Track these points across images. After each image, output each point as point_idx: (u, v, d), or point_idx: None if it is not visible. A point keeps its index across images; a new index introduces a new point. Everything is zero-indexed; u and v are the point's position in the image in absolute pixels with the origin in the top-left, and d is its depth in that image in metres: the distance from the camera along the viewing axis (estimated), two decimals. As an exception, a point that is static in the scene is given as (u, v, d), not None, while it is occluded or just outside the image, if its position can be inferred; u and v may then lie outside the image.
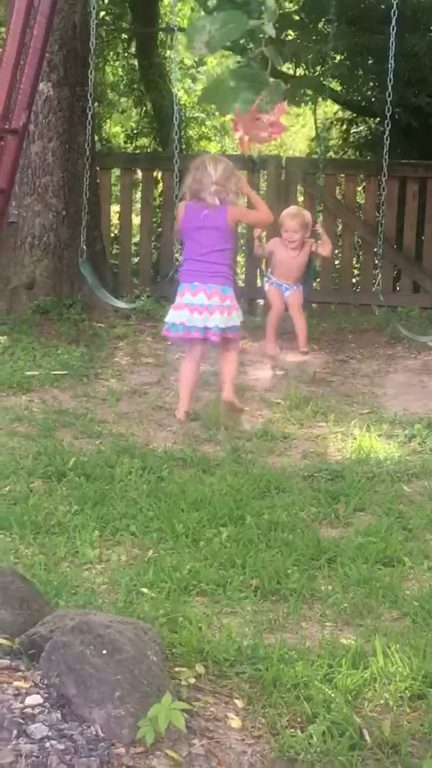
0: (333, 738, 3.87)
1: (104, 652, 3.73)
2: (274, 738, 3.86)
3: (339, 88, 15.50)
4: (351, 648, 4.51)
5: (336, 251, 13.11)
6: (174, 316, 8.08)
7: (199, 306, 7.99)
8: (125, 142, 18.81)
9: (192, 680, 4.13)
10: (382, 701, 4.18)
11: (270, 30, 4.20)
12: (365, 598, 5.15)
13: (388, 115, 8.84)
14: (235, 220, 8.23)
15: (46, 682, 3.74)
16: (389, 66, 8.46)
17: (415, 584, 5.38)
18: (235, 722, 3.92)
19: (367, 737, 3.90)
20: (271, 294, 9.61)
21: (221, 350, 8.28)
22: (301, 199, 13.01)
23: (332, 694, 4.13)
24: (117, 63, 18.83)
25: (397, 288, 12.95)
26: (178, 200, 8.75)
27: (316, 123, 17.17)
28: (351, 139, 16.60)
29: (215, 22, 4.04)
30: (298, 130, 22.35)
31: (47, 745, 3.44)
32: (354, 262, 13.88)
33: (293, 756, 3.77)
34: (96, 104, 13.65)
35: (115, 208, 13.99)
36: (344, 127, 16.74)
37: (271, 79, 4.33)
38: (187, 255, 8.27)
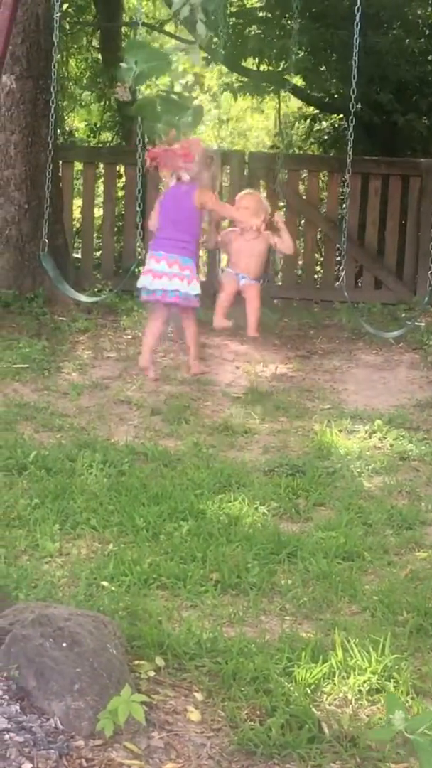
0: (292, 731, 3.88)
1: (64, 644, 3.74)
2: (234, 731, 3.87)
3: (302, 84, 15.51)
4: (310, 642, 4.54)
5: (299, 247, 13.12)
6: (141, 281, 8.57)
7: (160, 272, 8.41)
8: (88, 136, 18.74)
9: (152, 673, 4.14)
10: (340, 695, 4.20)
11: (197, 59, 4.31)
12: (325, 592, 5.17)
13: (352, 111, 8.86)
14: (200, 203, 8.50)
15: (5, 674, 3.74)
16: (353, 63, 8.47)
17: (374, 579, 5.41)
18: (194, 715, 3.93)
19: (325, 730, 3.92)
20: (225, 279, 9.27)
21: (183, 322, 8.66)
22: (264, 194, 13.00)
23: (291, 688, 4.15)
24: (80, 56, 18.75)
25: (359, 284, 12.97)
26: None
27: (279, 119, 17.20)
28: (314, 135, 16.61)
29: (141, 62, 4.15)
30: (261, 124, 22.35)
31: (6, 737, 3.44)
32: (317, 257, 13.88)
33: (252, 749, 3.78)
34: (59, 97, 13.60)
35: (77, 202, 13.94)
36: (307, 122, 16.75)
37: (194, 105, 4.47)
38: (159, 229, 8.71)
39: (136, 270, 10.15)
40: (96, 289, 11.57)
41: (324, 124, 16.44)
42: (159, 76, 4.39)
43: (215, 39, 11.37)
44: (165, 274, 8.45)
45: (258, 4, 14.99)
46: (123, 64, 4.23)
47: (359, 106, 9.94)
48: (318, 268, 13.91)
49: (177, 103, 4.40)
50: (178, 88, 4.60)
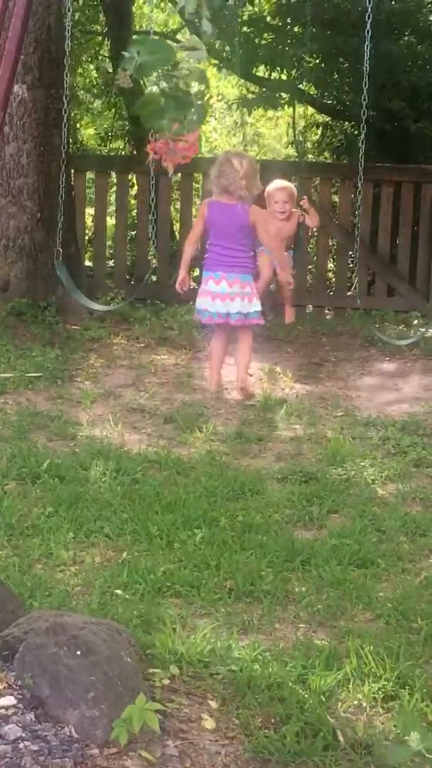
0: (306, 738, 3.88)
1: (78, 653, 3.73)
2: (248, 739, 3.86)
3: (314, 92, 15.51)
4: (325, 649, 4.53)
5: (311, 254, 13.13)
6: (199, 302, 8.49)
7: (221, 293, 8.33)
8: (99, 145, 18.77)
9: (166, 681, 4.13)
10: (355, 702, 4.20)
11: (202, 55, 4.31)
12: (339, 599, 5.17)
13: (364, 118, 8.86)
14: (255, 221, 8.45)
15: (19, 683, 3.74)
16: (364, 69, 8.48)
17: (388, 586, 5.40)
18: (209, 723, 3.92)
19: (340, 738, 3.91)
20: (262, 262, 9.49)
21: (238, 336, 8.63)
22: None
23: (306, 695, 4.14)
24: (91, 65, 18.79)
25: (372, 291, 12.96)
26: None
27: (294, 126, 17.20)
28: (326, 143, 16.60)
29: (144, 52, 4.15)
30: (273, 132, 22.34)
31: (21, 746, 3.45)
32: (329, 265, 13.88)
33: (267, 756, 3.78)
34: (71, 106, 13.63)
35: (89, 211, 13.96)
36: (320, 130, 16.75)
37: (197, 102, 4.46)
38: (211, 245, 8.55)
39: (151, 279, 10.20)
40: (108, 298, 11.59)
41: (336, 131, 16.44)
42: (162, 67, 4.37)
43: (227, 47, 11.40)
44: (227, 296, 8.38)
45: (270, 8, 14.97)
46: (126, 53, 4.22)
47: (371, 112, 9.95)
48: (330, 275, 13.91)
49: (180, 98, 4.39)
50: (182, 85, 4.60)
